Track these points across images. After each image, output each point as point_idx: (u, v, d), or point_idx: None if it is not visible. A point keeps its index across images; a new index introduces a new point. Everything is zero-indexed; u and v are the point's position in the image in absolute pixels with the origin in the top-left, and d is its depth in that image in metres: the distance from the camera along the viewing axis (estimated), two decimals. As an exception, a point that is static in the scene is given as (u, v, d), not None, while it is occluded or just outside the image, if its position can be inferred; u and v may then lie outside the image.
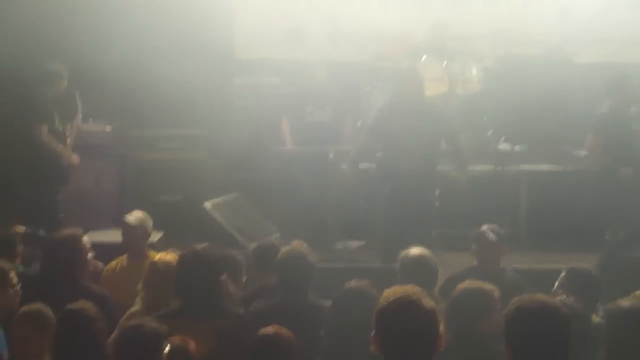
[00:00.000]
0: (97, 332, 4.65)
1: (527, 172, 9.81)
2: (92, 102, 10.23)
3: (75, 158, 9.02)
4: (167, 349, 4.32)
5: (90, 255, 5.91)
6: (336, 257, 8.73)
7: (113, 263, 6.77)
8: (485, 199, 9.11)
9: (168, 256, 5.76)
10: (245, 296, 5.79)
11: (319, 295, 5.46)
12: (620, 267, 7.34)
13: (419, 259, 5.67)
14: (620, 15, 10.47)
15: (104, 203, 9.81)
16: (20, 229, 6.46)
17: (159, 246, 7.60)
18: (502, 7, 10.79)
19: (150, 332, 4.28)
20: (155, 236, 7.71)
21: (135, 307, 5.59)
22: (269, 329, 4.61)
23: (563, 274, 5.51)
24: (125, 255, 6.79)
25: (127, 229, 6.80)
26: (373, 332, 3.33)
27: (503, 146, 10.06)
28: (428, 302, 3.33)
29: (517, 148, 10.04)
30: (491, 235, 6.55)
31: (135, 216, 6.84)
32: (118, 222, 8.66)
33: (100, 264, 6.68)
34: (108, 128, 10.23)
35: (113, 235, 7.60)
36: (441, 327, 3.37)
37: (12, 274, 5.37)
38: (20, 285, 5.38)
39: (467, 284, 5.08)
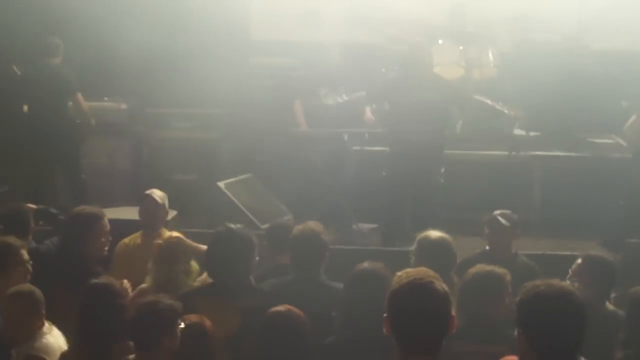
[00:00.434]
0: (122, 307, 4.66)
1: (541, 158, 9.78)
2: (108, 80, 10.27)
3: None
4: (181, 325, 4.36)
5: (105, 238, 5.92)
6: (349, 239, 8.73)
7: (126, 240, 6.76)
8: (499, 184, 9.11)
9: (177, 234, 5.81)
10: (257, 276, 5.81)
11: (331, 276, 5.48)
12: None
13: (439, 241, 5.64)
14: (638, 2, 10.41)
15: (119, 181, 9.85)
16: (32, 206, 6.46)
17: (173, 225, 7.63)
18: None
19: (165, 308, 4.32)
20: (170, 215, 7.73)
21: (146, 284, 5.62)
22: (281, 308, 4.63)
23: (579, 261, 5.45)
24: (139, 233, 6.77)
25: (152, 205, 6.72)
26: (385, 314, 3.34)
27: (518, 131, 10.04)
28: (441, 285, 3.32)
29: (531, 134, 10.01)
30: (503, 220, 6.55)
31: (158, 194, 6.82)
32: (132, 199, 8.74)
33: None
34: (123, 106, 10.26)
35: (127, 212, 7.64)
36: (453, 311, 3.37)
37: (24, 251, 5.38)
38: (31, 262, 5.39)
39: (478, 267, 5.09)
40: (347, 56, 9.91)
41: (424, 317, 3.25)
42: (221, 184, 9.10)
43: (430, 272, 3.37)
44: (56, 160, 9.29)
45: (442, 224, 8.31)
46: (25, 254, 5.36)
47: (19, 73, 9.33)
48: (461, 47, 9.94)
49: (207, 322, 4.60)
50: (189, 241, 5.86)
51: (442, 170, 8.34)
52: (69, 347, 4.75)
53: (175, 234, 5.91)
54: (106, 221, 5.96)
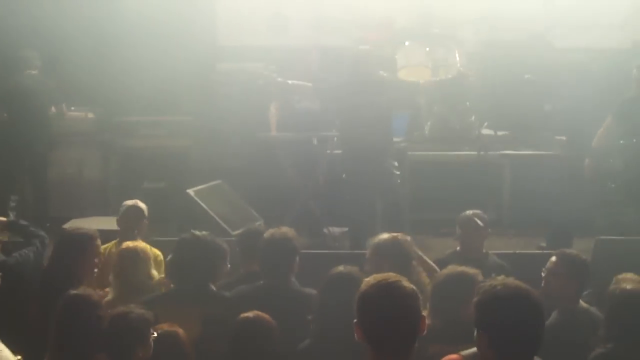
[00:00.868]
0: (99, 318, 4.62)
1: (510, 157, 9.83)
2: (74, 89, 10.20)
3: None
4: (154, 334, 4.34)
5: (98, 259, 5.84)
6: (321, 243, 8.73)
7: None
8: (469, 184, 9.15)
9: (136, 243, 5.77)
10: (228, 283, 5.78)
11: (303, 281, 5.47)
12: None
13: (391, 242, 5.57)
14: (602, 0, 10.51)
15: (88, 190, 9.80)
16: (2, 218, 6.39)
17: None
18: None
19: (137, 318, 4.31)
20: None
21: (108, 297, 5.56)
22: (250, 314, 4.64)
23: (553, 258, 5.44)
24: (114, 242, 6.68)
25: (136, 214, 6.67)
26: (355, 320, 3.33)
27: (486, 131, 10.08)
28: (408, 284, 3.34)
29: (499, 133, 10.07)
30: (475, 220, 6.58)
31: (141, 204, 6.74)
32: (101, 209, 8.67)
33: None
34: (91, 115, 10.20)
35: (97, 222, 7.57)
36: (426, 311, 3.37)
37: None
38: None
39: (450, 268, 5.10)
40: (324, 60, 9.94)
41: (393, 315, 3.27)
42: (191, 191, 9.06)
43: (396, 274, 3.39)
44: (25, 170, 9.29)
45: (411, 223, 8.46)
46: None
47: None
48: (428, 49, 9.96)
49: (180, 331, 4.58)
50: (147, 249, 5.83)
51: (396, 163, 8.58)
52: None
53: (137, 243, 5.84)
54: (99, 242, 5.90)
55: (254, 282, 5.53)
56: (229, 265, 5.68)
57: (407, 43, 9.94)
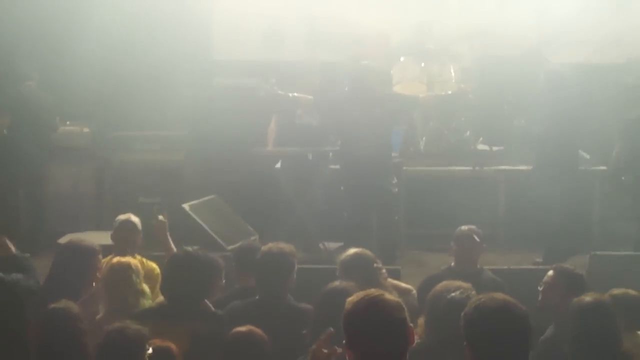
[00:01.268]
0: (80, 332, 4.62)
1: (505, 172, 9.84)
2: (70, 104, 10.21)
3: None
4: (149, 351, 4.33)
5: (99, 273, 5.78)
6: (317, 258, 8.72)
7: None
8: (464, 200, 9.15)
9: (127, 258, 5.75)
10: (223, 298, 5.77)
11: (299, 296, 5.46)
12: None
13: (356, 256, 5.63)
14: (596, 16, 10.55)
15: (82, 205, 9.78)
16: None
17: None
18: (480, 9, 10.85)
19: (133, 334, 4.29)
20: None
21: (99, 315, 5.53)
22: (243, 328, 4.63)
23: (550, 273, 5.46)
24: (109, 258, 6.64)
25: (131, 229, 6.63)
26: (344, 341, 3.33)
27: (481, 146, 10.10)
28: (391, 297, 3.36)
29: (495, 148, 10.08)
30: (471, 236, 6.57)
31: (134, 219, 6.71)
32: (95, 224, 8.64)
33: None
34: (86, 130, 10.20)
35: (91, 237, 7.54)
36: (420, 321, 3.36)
37: None
38: None
39: (445, 284, 5.09)
40: (326, 75, 9.95)
41: (381, 329, 3.27)
42: (186, 206, 9.05)
43: (379, 289, 3.39)
44: (20, 184, 9.30)
45: (406, 238, 8.47)
46: None
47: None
48: (423, 64, 9.99)
49: (174, 347, 4.57)
50: (138, 263, 5.81)
51: (394, 180, 8.50)
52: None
53: (125, 259, 5.82)
54: (101, 256, 5.87)
55: (249, 297, 5.52)
56: (224, 281, 5.69)
57: (402, 58, 9.98)
